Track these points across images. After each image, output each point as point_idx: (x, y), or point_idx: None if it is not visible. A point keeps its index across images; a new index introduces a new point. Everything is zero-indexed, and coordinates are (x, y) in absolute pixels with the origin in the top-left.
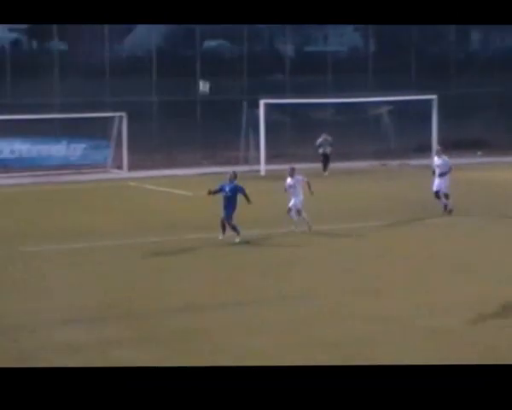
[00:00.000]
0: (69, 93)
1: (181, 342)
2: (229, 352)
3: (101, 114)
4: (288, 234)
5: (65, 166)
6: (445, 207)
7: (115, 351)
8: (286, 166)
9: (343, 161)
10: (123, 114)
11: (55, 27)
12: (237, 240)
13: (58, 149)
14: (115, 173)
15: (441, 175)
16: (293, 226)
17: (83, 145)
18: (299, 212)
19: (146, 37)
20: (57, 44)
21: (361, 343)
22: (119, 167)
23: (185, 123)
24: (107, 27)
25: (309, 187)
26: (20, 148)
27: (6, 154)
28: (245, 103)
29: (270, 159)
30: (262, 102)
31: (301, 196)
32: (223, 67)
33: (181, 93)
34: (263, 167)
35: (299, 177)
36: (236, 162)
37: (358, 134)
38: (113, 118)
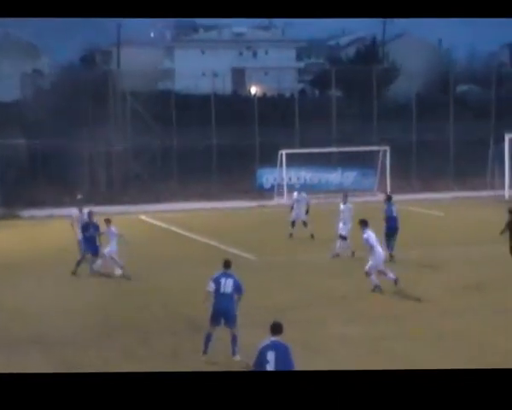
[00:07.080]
0: (343, 131)
1: None
2: None
3: (369, 148)
4: None
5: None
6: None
7: None
8: None
9: None
10: (387, 148)
11: (333, 78)
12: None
13: (334, 177)
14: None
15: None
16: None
17: (354, 173)
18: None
19: (407, 86)
20: (334, 92)
21: None
22: (384, 192)
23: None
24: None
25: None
26: (304, 175)
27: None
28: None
29: None
30: (507, 138)
31: (349, 225)
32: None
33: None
34: (506, 192)
35: (349, 205)
36: (484, 188)
37: None
38: (378, 151)
